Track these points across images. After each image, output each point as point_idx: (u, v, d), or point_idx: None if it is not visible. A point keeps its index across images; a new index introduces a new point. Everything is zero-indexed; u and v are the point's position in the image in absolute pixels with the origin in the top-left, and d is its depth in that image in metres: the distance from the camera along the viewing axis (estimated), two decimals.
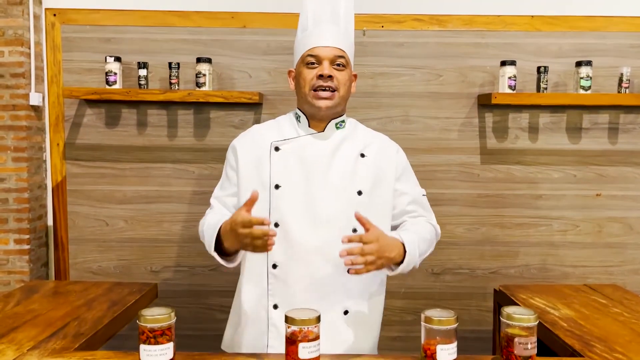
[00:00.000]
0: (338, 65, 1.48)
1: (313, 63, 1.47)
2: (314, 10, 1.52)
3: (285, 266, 1.47)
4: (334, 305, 1.42)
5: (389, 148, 1.60)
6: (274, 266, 1.48)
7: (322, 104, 1.47)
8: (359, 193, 1.49)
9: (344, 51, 1.49)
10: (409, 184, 1.59)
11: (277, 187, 1.48)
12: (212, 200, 1.61)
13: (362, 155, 1.53)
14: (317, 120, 1.53)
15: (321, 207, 1.47)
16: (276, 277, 1.48)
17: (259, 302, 1.51)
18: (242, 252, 1.44)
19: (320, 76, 1.45)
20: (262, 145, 1.53)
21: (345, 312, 1.49)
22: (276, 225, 1.48)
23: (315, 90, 1.47)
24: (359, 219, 1.32)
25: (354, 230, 1.47)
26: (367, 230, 1.31)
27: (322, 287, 1.45)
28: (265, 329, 1.50)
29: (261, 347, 1.50)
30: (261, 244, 1.28)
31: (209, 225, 1.46)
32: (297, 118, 1.56)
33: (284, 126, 1.57)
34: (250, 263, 1.52)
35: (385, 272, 1.43)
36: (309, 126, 1.54)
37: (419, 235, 1.47)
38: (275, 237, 1.42)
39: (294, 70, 1.57)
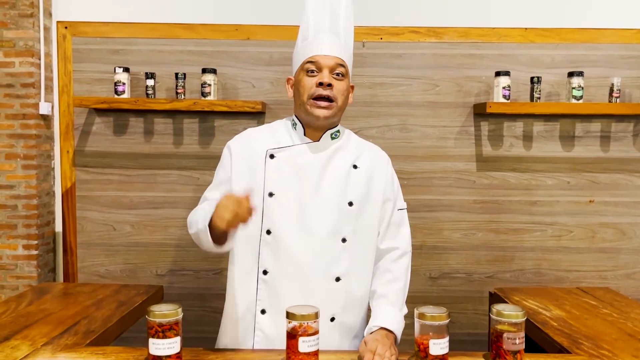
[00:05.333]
0: (337, 74, 1.49)
1: (313, 71, 1.49)
2: (314, 20, 1.54)
3: (275, 273, 1.50)
4: (321, 312, 1.40)
5: (380, 159, 1.62)
6: (265, 272, 1.51)
7: (320, 113, 1.48)
8: (350, 204, 1.52)
9: (343, 61, 1.51)
10: (394, 194, 1.62)
11: (270, 194, 1.50)
12: (201, 203, 1.59)
13: (355, 167, 1.55)
14: (313, 129, 1.54)
15: (313, 217, 1.49)
16: (266, 283, 1.51)
17: (247, 306, 1.53)
18: (231, 240, 1.43)
19: (320, 84, 1.46)
20: (257, 151, 1.54)
21: (332, 319, 1.53)
22: (268, 232, 1.50)
23: (314, 99, 1.48)
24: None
25: (344, 240, 1.51)
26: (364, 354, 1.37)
27: (310, 295, 1.46)
28: (251, 333, 1.53)
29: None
30: (242, 212, 1.29)
31: (203, 210, 1.46)
32: (294, 125, 1.57)
33: (280, 132, 1.58)
34: (241, 267, 1.54)
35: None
36: (305, 134, 1.55)
37: (395, 298, 1.55)
38: (267, 244, 1.50)
39: (292, 78, 1.58)
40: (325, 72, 1.48)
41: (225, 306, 1.66)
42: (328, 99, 1.48)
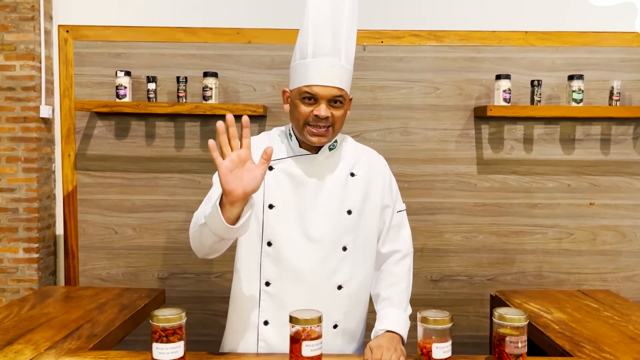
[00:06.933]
0: (335, 102, 1.45)
1: (310, 98, 1.44)
2: (314, 39, 1.46)
3: (277, 284, 1.50)
4: (324, 320, 1.37)
5: (377, 164, 1.62)
6: (267, 284, 1.51)
7: (316, 140, 1.47)
8: (349, 212, 1.52)
9: (343, 90, 1.45)
10: (393, 199, 1.61)
11: (270, 206, 1.50)
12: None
13: (352, 175, 1.55)
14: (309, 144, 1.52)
15: (312, 227, 1.50)
16: (268, 294, 1.51)
17: (250, 317, 1.54)
18: (247, 218, 1.32)
19: (316, 116, 1.44)
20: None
21: (335, 326, 1.54)
22: (269, 244, 1.50)
23: (310, 125, 1.45)
24: None
25: (344, 249, 1.52)
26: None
27: (312, 304, 1.45)
28: (255, 344, 1.54)
29: None
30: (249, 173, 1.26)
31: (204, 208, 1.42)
32: (290, 136, 1.56)
33: (277, 143, 1.56)
34: (243, 280, 1.55)
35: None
36: (300, 146, 1.53)
37: (398, 300, 1.56)
38: (268, 256, 1.50)
39: (288, 91, 1.53)
40: (323, 105, 1.43)
41: (228, 316, 1.66)
42: (324, 126, 1.46)
